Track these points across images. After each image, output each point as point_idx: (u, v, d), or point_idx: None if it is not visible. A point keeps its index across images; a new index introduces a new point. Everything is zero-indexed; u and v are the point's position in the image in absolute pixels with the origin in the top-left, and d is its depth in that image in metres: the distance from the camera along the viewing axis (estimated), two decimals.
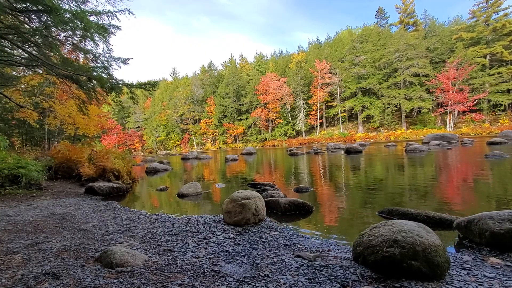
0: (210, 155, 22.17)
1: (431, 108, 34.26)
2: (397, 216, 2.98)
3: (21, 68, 11.28)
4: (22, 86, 13.34)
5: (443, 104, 32.29)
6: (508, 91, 30.46)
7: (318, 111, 43.10)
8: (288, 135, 44.85)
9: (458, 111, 31.96)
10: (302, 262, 1.89)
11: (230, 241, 2.45)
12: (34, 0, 5.20)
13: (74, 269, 1.87)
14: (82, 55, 7.79)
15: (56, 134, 17.93)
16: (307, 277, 1.66)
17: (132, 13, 6.70)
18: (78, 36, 6.79)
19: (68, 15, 5.75)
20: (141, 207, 4.49)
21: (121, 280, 1.69)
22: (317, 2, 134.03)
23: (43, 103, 15.00)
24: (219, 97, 53.40)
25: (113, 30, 6.83)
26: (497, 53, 31.13)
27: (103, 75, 7.32)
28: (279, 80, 45.28)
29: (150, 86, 7.86)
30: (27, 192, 5.64)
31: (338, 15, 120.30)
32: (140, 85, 7.83)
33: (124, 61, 7.44)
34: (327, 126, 45.00)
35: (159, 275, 1.76)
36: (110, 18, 6.68)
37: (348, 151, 13.61)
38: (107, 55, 7.25)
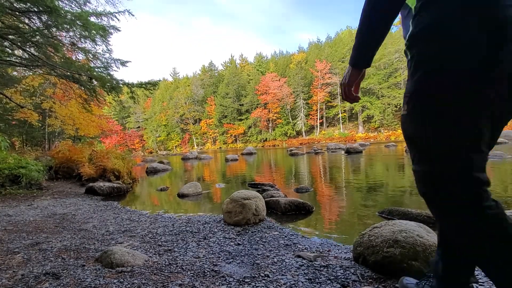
0: (210, 155, 22.17)
1: None
2: (397, 216, 2.98)
3: (21, 69, 11.30)
4: (23, 87, 13.34)
5: None
6: None
7: (319, 111, 43.10)
8: (288, 135, 44.85)
9: None
10: (303, 262, 1.89)
11: (230, 241, 2.45)
12: (34, 0, 5.21)
13: (75, 269, 1.87)
14: (82, 55, 7.82)
15: (56, 134, 17.93)
16: (307, 277, 1.66)
17: (131, 14, 6.72)
18: (78, 36, 6.80)
19: (69, 16, 5.76)
20: (141, 207, 4.49)
21: (121, 280, 1.69)
22: (317, 2, 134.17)
23: (44, 103, 15.01)
24: (219, 97, 53.42)
25: (112, 31, 6.86)
26: None
27: (104, 74, 7.34)
28: (279, 80, 45.29)
29: (150, 86, 7.87)
30: (28, 192, 5.65)
31: (338, 15, 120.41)
32: (140, 85, 7.84)
33: (123, 63, 7.47)
34: (327, 126, 45.00)
35: (159, 275, 1.76)
36: (110, 19, 6.71)
37: (348, 151, 13.61)
38: (107, 55, 7.28)
